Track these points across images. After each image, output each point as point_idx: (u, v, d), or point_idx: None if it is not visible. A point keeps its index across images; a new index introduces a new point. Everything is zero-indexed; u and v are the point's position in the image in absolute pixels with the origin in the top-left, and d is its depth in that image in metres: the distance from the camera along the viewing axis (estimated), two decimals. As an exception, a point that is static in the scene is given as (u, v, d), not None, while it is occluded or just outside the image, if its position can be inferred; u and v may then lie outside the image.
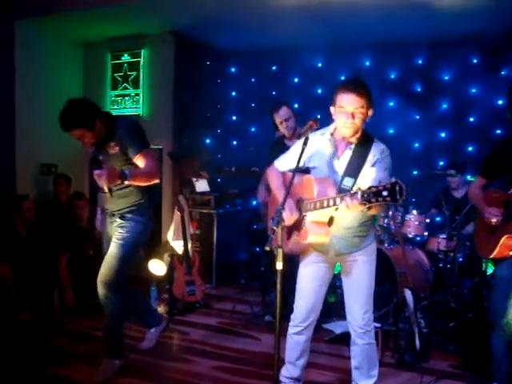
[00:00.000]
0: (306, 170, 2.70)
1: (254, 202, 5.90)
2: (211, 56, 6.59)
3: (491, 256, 2.80)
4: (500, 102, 5.43)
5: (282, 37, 5.88)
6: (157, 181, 3.26)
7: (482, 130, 5.61)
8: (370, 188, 2.09)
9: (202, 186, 5.90)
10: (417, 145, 5.97)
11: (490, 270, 4.21)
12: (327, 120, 2.82)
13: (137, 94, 6.19)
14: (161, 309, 4.91)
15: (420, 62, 5.96)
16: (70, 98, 3.19)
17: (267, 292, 4.71)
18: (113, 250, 3.33)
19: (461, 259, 4.62)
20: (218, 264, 5.69)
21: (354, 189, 2.31)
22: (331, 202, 2.33)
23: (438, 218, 5.20)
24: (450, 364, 3.62)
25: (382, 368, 3.43)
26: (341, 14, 5.13)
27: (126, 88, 6.26)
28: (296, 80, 6.55)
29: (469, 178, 5.00)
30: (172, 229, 5.32)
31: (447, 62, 5.76)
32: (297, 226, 2.59)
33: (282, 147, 3.97)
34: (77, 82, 6.51)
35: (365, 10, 4.97)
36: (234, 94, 6.94)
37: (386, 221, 4.78)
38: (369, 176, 2.47)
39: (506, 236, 2.69)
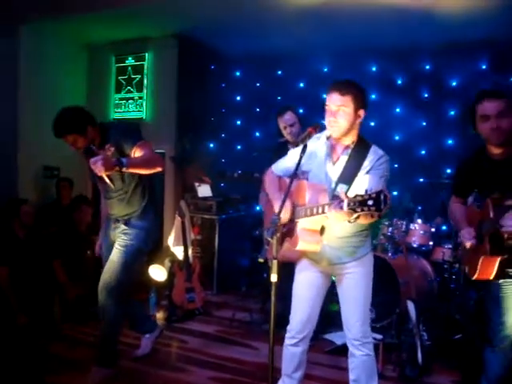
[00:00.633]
0: (302, 175, 2.64)
1: (258, 208, 5.83)
2: (216, 60, 6.55)
3: (474, 278, 2.65)
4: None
5: (287, 41, 5.84)
6: (159, 169, 3.09)
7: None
8: (355, 197, 2.01)
9: (204, 191, 5.83)
10: (423, 152, 5.87)
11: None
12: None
13: (140, 98, 6.16)
14: (160, 315, 4.84)
15: (428, 67, 5.87)
16: (67, 104, 3.25)
17: (268, 300, 4.62)
18: (115, 257, 3.29)
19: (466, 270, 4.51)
20: (219, 270, 5.62)
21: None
22: (320, 210, 2.27)
23: (444, 227, 5.10)
24: (452, 380, 3.52)
25: (383, 381, 3.35)
26: (348, 18, 5.08)
27: (129, 91, 6.23)
28: (301, 85, 6.49)
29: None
30: (173, 234, 5.25)
31: (455, 67, 5.66)
32: (289, 232, 2.51)
33: (285, 152, 3.89)
34: (81, 85, 6.49)
35: (372, 15, 4.91)
36: (238, 98, 6.88)
37: (390, 229, 4.69)
38: (363, 183, 2.39)
39: (482, 257, 2.55)
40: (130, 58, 6.23)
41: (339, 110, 2.47)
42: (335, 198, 2.23)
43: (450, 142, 5.77)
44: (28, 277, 4.45)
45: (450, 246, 4.51)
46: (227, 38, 5.97)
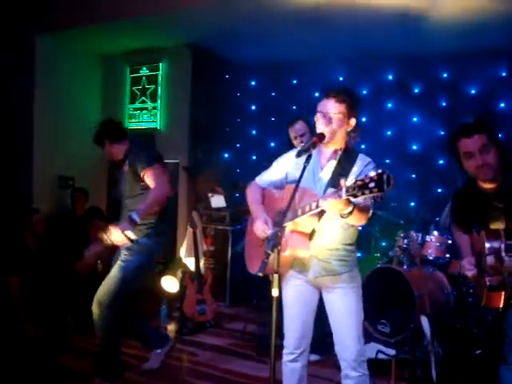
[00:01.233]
0: (290, 183, 2.58)
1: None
2: (230, 69, 6.52)
3: (482, 305, 2.53)
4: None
5: (302, 50, 5.79)
6: (168, 195, 3.33)
7: (511, 147, 5.35)
8: (355, 182, 1.97)
9: (217, 201, 5.78)
10: (441, 161, 5.73)
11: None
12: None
13: (154, 108, 6.16)
14: (171, 327, 4.79)
15: (445, 75, 5.74)
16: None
17: (279, 313, 4.51)
18: (114, 272, 3.33)
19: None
20: (232, 282, 5.55)
21: None
22: (314, 205, 2.23)
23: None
24: (469, 398, 3.38)
25: (396, 399, 3.24)
26: (363, 26, 5.01)
27: (143, 101, 6.24)
28: (317, 94, 6.40)
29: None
30: (185, 245, 5.21)
31: (474, 75, 5.52)
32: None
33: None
34: (96, 95, 6.53)
35: (387, 22, 4.83)
36: (253, 107, 6.83)
37: (405, 241, 4.56)
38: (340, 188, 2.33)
39: (485, 291, 2.43)
40: (144, 68, 6.24)
41: (333, 117, 2.45)
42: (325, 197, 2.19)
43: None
44: (39, 287, 4.45)
45: (468, 259, 4.36)
46: (241, 47, 5.95)
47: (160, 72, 6.14)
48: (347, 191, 1.99)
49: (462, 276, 4.12)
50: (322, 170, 2.52)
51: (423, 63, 5.67)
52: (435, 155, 5.73)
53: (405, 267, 4.42)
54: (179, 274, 5.21)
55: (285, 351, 2.66)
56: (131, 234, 3.16)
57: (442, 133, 5.70)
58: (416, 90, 5.87)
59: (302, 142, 4.13)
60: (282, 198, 2.54)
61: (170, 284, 5.18)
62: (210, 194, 5.80)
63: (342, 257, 2.51)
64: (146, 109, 6.22)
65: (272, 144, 6.68)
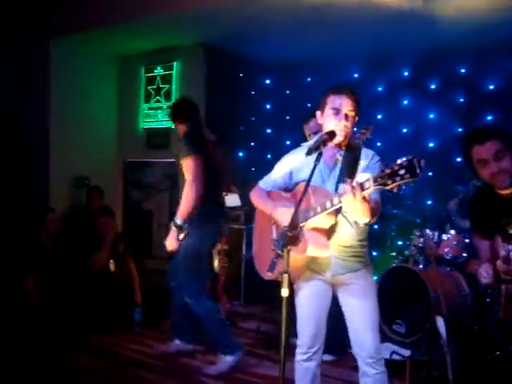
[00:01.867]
0: (296, 185, 2.56)
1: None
2: (244, 68, 6.49)
3: (501, 316, 2.46)
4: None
5: (316, 48, 5.74)
6: (198, 190, 3.49)
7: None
8: (383, 171, 1.93)
9: (232, 200, 5.76)
10: (459, 159, 5.63)
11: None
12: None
13: (169, 107, 6.15)
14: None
15: (463, 71, 5.64)
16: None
17: (295, 311, 4.48)
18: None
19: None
20: (246, 280, 5.54)
21: None
22: (336, 201, 2.17)
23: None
24: (486, 400, 3.31)
25: (411, 400, 3.19)
26: (379, 24, 4.94)
27: (158, 101, 6.25)
28: (332, 92, 6.35)
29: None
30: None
31: (492, 70, 5.42)
32: (292, 240, 2.38)
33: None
34: (111, 95, 6.56)
35: (404, 18, 4.76)
36: (268, 106, 6.81)
37: (421, 240, 4.49)
38: (364, 177, 2.29)
39: (502, 300, 2.37)
40: (158, 68, 6.25)
41: (349, 115, 2.43)
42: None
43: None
44: (55, 286, 4.49)
45: (486, 258, 4.28)
46: (256, 46, 5.92)
47: (174, 71, 6.14)
48: (375, 181, 1.96)
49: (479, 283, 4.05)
50: (328, 167, 2.49)
51: (439, 59, 5.58)
52: (452, 153, 5.63)
53: (420, 266, 4.35)
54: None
55: (298, 350, 2.64)
56: (181, 236, 3.51)
57: (460, 130, 5.61)
58: (432, 87, 5.78)
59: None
60: (293, 198, 2.50)
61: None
62: (224, 193, 5.78)
63: (358, 253, 2.50)
64: (161, 108, 6.22)
65: (287, 142, 6.63)
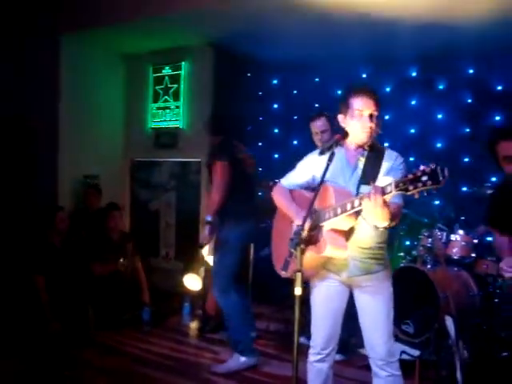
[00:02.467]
0: (317, 184, 2.53)
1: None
2: (252, 68, 6.51)
3: None
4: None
5: (324, 48, 5.74)
6: (223, 195, 3.78)
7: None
8: (406, 176, 1.95)
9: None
10: (466, 159, 5.63)
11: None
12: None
13: (177, 107, 6.18)
14: (193, 325, 4.82)
15: (471, 71, 5.64)
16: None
17: (306, 311, 4.48)
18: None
19: (512, 284, 4.27)
20: (255, 280, 5.54)
21: None
22: (356, 203, 2.17)
23: (488, 238, 4.85)
24: (494, 400, 3.32)
25: (420, 400, 3.20)
26: (387, 23, 4.94)
27: (166, 101, 6.26)
28: (339, 92, 6.36)
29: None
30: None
31: (500, 71, 5.42)
32: (312, 239, 2.40)
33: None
34: (119, 94, 6.58)
35: (409, 20, 4.76)
36: (275, 106, 6.82)
37: (429, 240, 4.50)
38: (386, 181, 2.29)
39: None
40: (166, 68, 6.26)
41: (373, 116, 2.41)
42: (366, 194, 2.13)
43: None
44: (63, 284, 4.51)
45: (494, 259, 4.27)
46: (263, 46, 5.92)
47: (182, 71, 6.15)
48: (396, 186, 1.96)
49: (498, 276, 4.04)
50: (351, 168, 2.48)
51: (447, 59, 5.58)
52: (460, 153, 5.64)
53: (429, 267, 4.35)
54: (202, 271, 5.22)
55: (311, 351, 2.64)
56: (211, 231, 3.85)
57: (468, 130, 5.61)
58: (440, 87, 5.78)
59: (321, 138, 4.10)
60: (321, 196, 2.46)
61: (192, 282, 5.19)
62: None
63: (376, 255, 2.48)
64: (169, 108, 6.24)
65: (295, 142, 6.65)
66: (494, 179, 5.36)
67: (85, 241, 4.92)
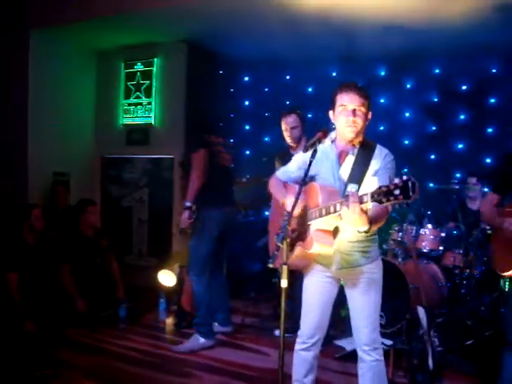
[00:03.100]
0: (309, 179, 2.58)
1: (266, 213, 5.80)
2: (224, 65, 6.55)
3: (507, 274, 2.64)
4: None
5: (296, 46, 5.82)
6: (200, 181, 3.97)
7: (500, 141, 5.46)
8: (380, 188, 2.00)
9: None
10: (433, 156, 5.83)
11: (507, 287, 4.05)
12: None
13: (149, 103, 6.16)
14: (169, 321, 4.84)
15: (437, 71, 5.84)
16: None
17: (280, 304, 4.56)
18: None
19: (478, 275, 4.46)
20: (228, 276, 5.58)
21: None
22: (338, 207, 2.23)
23: (454, 232, 5.05)
24: (464, 385, 3.48)
25: (394, 388, 3.32)
26: (355, 24, 5.05)
27: (138, 97, 6.24)
28: (310, 89, 6.47)
29: (486, 190, 4.87)
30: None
31: (465, 72, 5.63)
32: (301, 236, 2.49)
33: (287, 157, 3.86)
34: (90, 90, 6.52)
35: (381, 19, 4.89)
36: (247, 103, 6.88)
37: (399, 234, 4.66)
38: (373, 182, 2.38)
39: None
40: (138, 64, 6.23)
41: (358, 111, 2.43)
42: (347, 198, 2.18)
43: (460, 146, 5.73)
44: (37, 282, 4.45)
45: (461, 251, 4.47)
46: (235, 43, 5.98)
47: (155, 67, 6.14)
48: (372, 197, 2.02)
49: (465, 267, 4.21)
50: (340, 165, 2.53)
51: (415, 59, 5.75)
52: (427, 150, 5.83)
53: (399, 260, 4.51)
54: (176, 268, 5.25)
55: (298, 340, 2.71)
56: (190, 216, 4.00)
57: (434, 128, 5.81)
58: (408, 86, 5.96)
59: (291, 134, 4.17)
60: (304, 194, 2.52)
61: (167, 278, 5.21)
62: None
63: (365, 248, 2.55)
64: (141, 104, 6.22)
65: (266, 139, 6.74)
66: (458, 175, 5.59)
67: (57, 241, 4.84)
